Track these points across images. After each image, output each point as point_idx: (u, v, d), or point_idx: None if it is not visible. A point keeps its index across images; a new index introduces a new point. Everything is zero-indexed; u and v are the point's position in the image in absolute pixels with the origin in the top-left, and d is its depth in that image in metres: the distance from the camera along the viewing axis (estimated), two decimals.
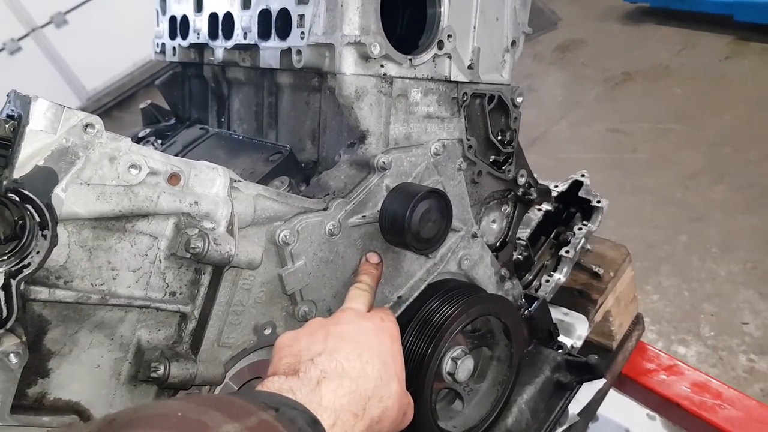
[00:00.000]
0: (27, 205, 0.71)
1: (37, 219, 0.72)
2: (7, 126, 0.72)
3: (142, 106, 1.84)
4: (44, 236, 0.72)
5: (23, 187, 0.70)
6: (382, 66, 1.09)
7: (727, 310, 2.86)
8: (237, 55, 1.44)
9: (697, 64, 4.79)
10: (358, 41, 1.04)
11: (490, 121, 1.30)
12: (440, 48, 1.14)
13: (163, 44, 1.71)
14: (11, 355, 0.72)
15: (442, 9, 1.14)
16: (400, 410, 0.84)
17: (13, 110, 0.76)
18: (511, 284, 1.39)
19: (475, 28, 1.22)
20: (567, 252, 1.77)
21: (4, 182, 0.70)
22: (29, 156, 0.70)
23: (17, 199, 0.70)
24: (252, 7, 1.33)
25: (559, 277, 1.76)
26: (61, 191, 0.72)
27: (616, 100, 4.73)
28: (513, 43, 1.30)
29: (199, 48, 1.58)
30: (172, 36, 1.66)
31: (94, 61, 7.58)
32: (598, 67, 5.18)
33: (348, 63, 1.06)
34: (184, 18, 1.60)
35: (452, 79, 1.19)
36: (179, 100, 1.81)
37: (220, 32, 1.45)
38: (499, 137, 1.34)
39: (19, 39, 7.28)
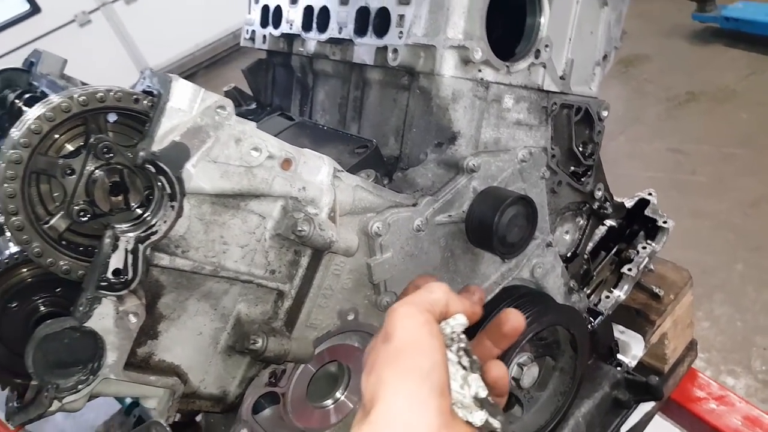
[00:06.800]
0: (161, 177, 0.76)
1: (168, 191, 0.77)
2: (145, 102, 0.77)
3: (225, 89, 1.90)
4: (172, 207, 0.77)
5: (160, 159, 0.75)
6: (479, 70, 1.11)
7: None
8: (328, 48, 1.48)
9: (766, 89, 4.64)
10: (461, 45, 1.07)
11: (575, 132, 1.31)
12: (536, 57, 1.16)
13: (254, 31, 1.77)
14: (131, 315, 0.77)
15: (542, 19, 1.15)
16: None
17: (149, 86, 0.81)
18: (578, 297, 1.40)
19: (570, 39, 1.23)
20: (629, 270, 1.76)
21: (141, 153, 0.75)
22: (167, 131, 0.75)
23: (153, 170, 0.75)
24: (350, 4, 1.36)
25: (620, 294, 1.75)
26: (191, 167, 0.77)
27: (677, 119, 4.62)
28: (604, 57, 1.31)
29: (290, 38, 1.63)
30: (264, 24, 1.72)
31: (159, 38, 7.84)
32: (662, 84, 5.06)
33: (448, 65, 1.09)
34: (278, 8, 1.65)
35: (544, 89, 1.20)
36: (262, 86, 1.87)
37: (314, 25, 1.49)
38: (581, 149, 1.34)
39: (90, 12, 7.59)
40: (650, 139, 4.46)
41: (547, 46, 1.16)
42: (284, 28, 1.61)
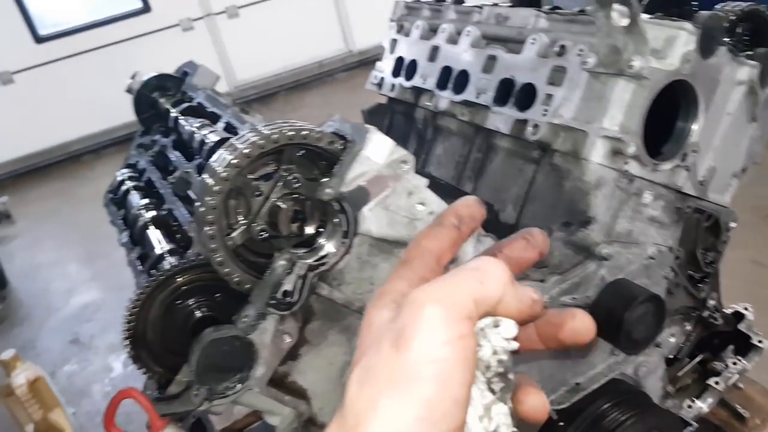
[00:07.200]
0: (341, 215, 0.81)
1: (344, 228, 0.81)
2: (337, 145, 0.83)
3: None
4: (343, 243, 0.82)
5: (345, 200, 0.80)
6: (626, 163, 1.13)
7: None
8: (458, 108, 1.53)
9: None
10: (617, 138, 1.09)
11: (700, 237, 1.30)
12: (683, 160, 1.17)
13: (383, 78, 1.85)
14: (286, 335, 0.82)
15: (695, 126, 1.17)
16: None
17: (338, 130, 0.88)
18: (672, 403, 1.36)
19: (715, 149, 1.24)
20: (717, 383, 1.70)
21: (329, 190, 0.80)
22: (356, 176, 0.81)
23: (336, 208, 0.80)
24: (493, 73, 1.42)
25: (703, 406, 1.69)
26: (368, 210, 0.82)
27: (763, 231, 4.48)
28: (743, 170, 1.31)
29: (418, 91, 1.69)
30: (395, 74, 1.80)
31: (250, 55, 8.23)
32: (750, 192, 4.88)
33: (598, 153, 1.12)
34: (413, 62, 1.72)
35: (683, 191, 1.21)
36: (378, 128, 1.94)
37: (450, 85, 1.55)
38: (703, 255, 1.33)
39: (194, 20, 8.08)
40: (732, 245, 4.32)
41: (694, 151, 1.18)
42: (416, 81, 1.68)
